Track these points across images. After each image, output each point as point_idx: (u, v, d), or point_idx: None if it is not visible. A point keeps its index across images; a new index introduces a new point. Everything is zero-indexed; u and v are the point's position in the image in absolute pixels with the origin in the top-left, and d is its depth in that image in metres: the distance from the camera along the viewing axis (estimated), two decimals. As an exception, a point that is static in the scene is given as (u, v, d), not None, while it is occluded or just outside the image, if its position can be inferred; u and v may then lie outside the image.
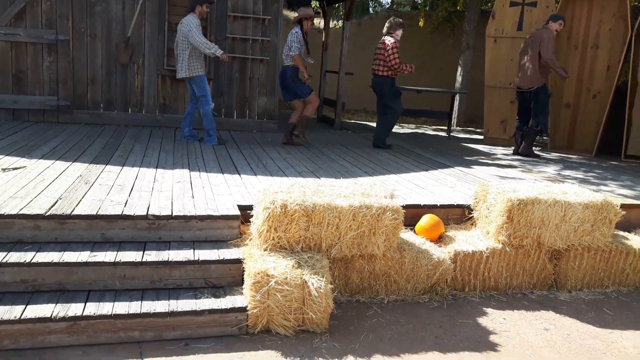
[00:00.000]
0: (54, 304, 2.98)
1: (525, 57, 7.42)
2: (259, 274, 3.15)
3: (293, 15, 14.58)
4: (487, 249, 3.96)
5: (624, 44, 7.74)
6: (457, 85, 11.68)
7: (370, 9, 19.66)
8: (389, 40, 6.92)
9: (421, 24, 13.09)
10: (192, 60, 6.34)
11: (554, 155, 7.99)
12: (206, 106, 6.49)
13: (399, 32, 7.03)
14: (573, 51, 8.34)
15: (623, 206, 4.36)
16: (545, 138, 8.18)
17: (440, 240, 4.14)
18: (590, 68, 8.27)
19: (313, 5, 13.92)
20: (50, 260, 3.12)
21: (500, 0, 8.58)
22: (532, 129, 7.52)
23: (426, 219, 4.16)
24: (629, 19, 7.73)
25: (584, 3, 8.26)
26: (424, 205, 4.35)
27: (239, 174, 5.03)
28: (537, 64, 7.25)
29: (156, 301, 3.12)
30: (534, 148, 7.88)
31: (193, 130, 6.74)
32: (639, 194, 5.31)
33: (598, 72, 8.20)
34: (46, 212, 3.37)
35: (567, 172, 6.45)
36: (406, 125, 11.50)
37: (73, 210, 3.45)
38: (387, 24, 7.12)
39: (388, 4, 22.02)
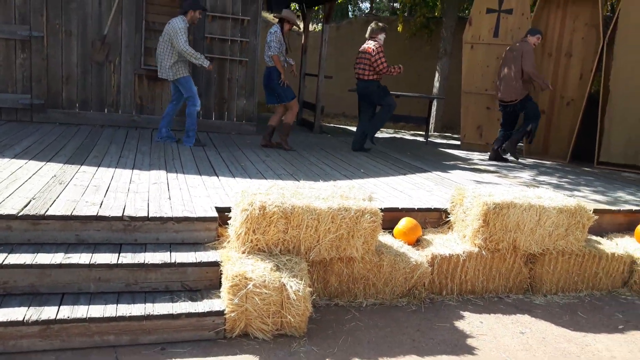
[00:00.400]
0: (27, 307, 2.90)
1: (506, 70, 7.51)
2: (236, 276, 3.12)
3: (272, 17, 14.56)
4: (463, 253, 4.00)
5: (596, 53, 7.93)
6: (435, 91, 11.82)
7: (350, 13, 19.76)
8: (372, 44, 6.95)
9: (399, 29, 13.21)
10: (176, 63, 6.28)
11: (529, 160, 8.13)
12: (192, 107, 6.42)
13: (382, 36, 7.08)
14: (547, 58, 8.51)
15: (596, 211, 4.46)
16: (530, 142, 8.27)
17: (418, 243, 4.17)
18: (564, 76, 8.46)
19: (292, 8, 13.91)
20: (22, 262, 3.04)
21: (477, 7, 8.71)
22: (522, 129, 7.59)
23: (404, 222, 4.19)
24: (600, 28, 7.93)
25: (558, 11, 8.44)
26: (402, 209, 4.38)
27: (217, 176, 4.99)
28: (520, 78, 7.38)
29: (132, 304, 3.07)
30: (506, 154, 7.98)
31: (170, 132, 6.66)
32: (611, 199, 5.44)
33: (571, 80, 8.39)
34: (19, 213, 3.28)
35: (542, 178, 6.57)
36: (384, 129, 11.56)
37: (47, 211, 3.36)
38: (369, 28, 7.15)
39: (367, 8, 22.18)
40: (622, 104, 7.57)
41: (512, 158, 7.88)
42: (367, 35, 7.17)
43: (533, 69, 7.31)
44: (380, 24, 7.19)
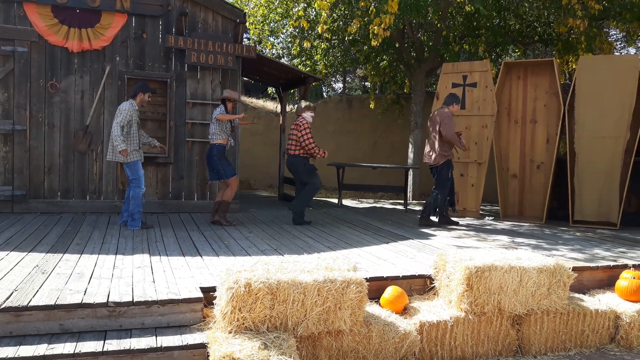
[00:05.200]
0: (7, 404, 2.81)
1: (431, 136, 7.58)
2: (224, 358, 3.09)
3: (250, 100, 15.11)
4: (451, 318, 4.02)
5: (559, 118, 8.38)
6: (410, 161, 12.17)
7: (324, 93, 20.60)
8: (301, 121, 7.07)
9: (372, 106, 13.80)
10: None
11: (506, 223, 8.31)
12: (137, 189, 6.28)
13: (307, 114, 7.13)
14: (514, 125, 8.96)
15: (575, 269, 4.56)
16: (453, 212, 8.06)
17: (405, 311, 4.18)
18: (531, 141, 8.87)
19: (270, 92, 14.50)
20: (4, 356, 2.96)
21: (443, 82, 9.22)
22: (431, 201, 7.53)
23: (390, 291, 4.22)
24: (560, 95, 8.44)
25: (519, 82, 8.99)
26: (387, 277, 4.42)
27: (201, 256, 5.00)
28: (440, 142, 7.41)
29: (118, 393, 2.99)
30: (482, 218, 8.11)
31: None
32: (589, 256, 5.57)
33: (539, 145, 8.79)
34: (0, 305, 3.24)
35: (520, 239, 6.70)
36: (365, 200, 11.76)
37: (30, 302, 3.33)
38: (297, 106, 7.18)
39: (340, 88, 23.16)
40: (589, 166, 7.90)
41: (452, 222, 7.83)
42: (295, 112, 7.24)
43: (453, 133, 7.33)
44: (307, 103, 7.22)
